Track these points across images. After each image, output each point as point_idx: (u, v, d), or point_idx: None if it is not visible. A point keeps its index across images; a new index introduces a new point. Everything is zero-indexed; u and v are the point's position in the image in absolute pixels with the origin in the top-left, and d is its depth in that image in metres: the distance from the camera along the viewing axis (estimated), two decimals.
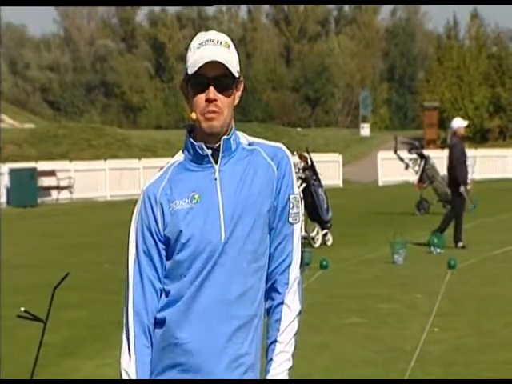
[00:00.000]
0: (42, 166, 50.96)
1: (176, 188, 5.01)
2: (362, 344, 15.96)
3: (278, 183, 5.08)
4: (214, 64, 4.91)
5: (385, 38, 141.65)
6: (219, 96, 4.96)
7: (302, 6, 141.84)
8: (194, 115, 4.98)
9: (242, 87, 5.10)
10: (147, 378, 4.98)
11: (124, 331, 5.05)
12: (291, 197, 5.11)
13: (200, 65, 4.92)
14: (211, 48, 4.97)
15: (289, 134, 69.81)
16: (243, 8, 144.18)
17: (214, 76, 4.95)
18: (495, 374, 14.12)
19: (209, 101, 4.94)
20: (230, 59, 4.99)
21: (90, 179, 51.11)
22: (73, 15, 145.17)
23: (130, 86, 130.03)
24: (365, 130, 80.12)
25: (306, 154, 28.77)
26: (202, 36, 5.05)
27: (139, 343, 5.00)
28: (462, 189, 27.70)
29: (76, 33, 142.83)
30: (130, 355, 4.99)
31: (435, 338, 16.10)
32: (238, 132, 5.13)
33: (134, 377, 4.97)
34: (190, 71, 4.95)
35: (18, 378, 10.46)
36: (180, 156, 5.12)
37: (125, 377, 4.99)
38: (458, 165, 27.49)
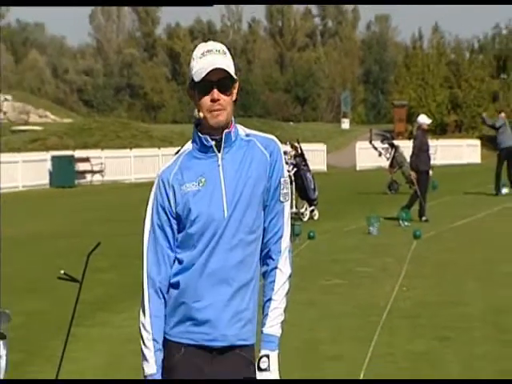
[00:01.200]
0: (79, 153, 50.89)
1: (186, 173, 5.03)
2: (343, 301, 15.95)
3: (270, 168, 5.08)
4: (216, 70, 4.93)
5: (361, 48, 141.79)
6: (222, 96, 4.97)
7: (293, 21, 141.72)
8: (201, 114, 5.00)
9: (237, 85, 5.10)
10: (161, 330, 5.01)
11: (141, 293, 5.07)
12: (282, 180, 5.12)
13: (206, 73, 4.94)
14: (212, 57, 4.99)
15: (282, 128, 69.51)
16: (244, 23, 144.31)
17: (217, 80, 4.96)
18: (452, 323, 14.11)
19: (213, 101, 4.95)
20: (229, 64, 5.01)
21: (118, 165, 51.04)
22: (104, 29, 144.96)
23: (151, 87, 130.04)
24: (345, 124, 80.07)
25: (296, 144, 28.84)
26: (202, 47, 5.07)
27: (153, 302, 5.01)
28: (430, 172, 27.90)
29: (106, 44, 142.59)
30: (144, 312, 5.03)
31: (403, 296, 16.11)
32: (237, 125, 5.13)
33: (149, 329, 5.02)
34: (197, 78, 4.97)
35: (59, 329, 10.38)
36: (189, 146, 5.13)
37: (142, 331, 5.04)
38: (417, 152, 27.71)
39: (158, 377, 4.98)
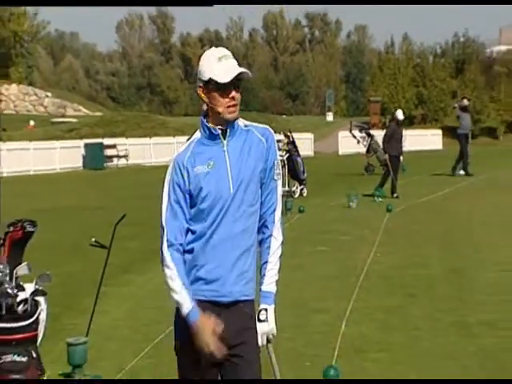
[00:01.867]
0: (107, 141, 50.82)
1: (197, 157, 5.03)
2: (327, 264, 15.93)
3: (266, 152, 5.10)
4: (242, 73, 5.00)
5: (343, 53, 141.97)
6: (236, 94, 5.01)
7: (286, 30, 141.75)
8: (219, 109, 5.01)
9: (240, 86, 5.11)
10: (185, 277, 4.99)
11: (161, 255, 5.04)
12: (275, 162, 5.16)
13: (234, 75, 4.98)
14: (231, 61, 5.02)
15: (277, 120, 69.41)
16: (245, 32, 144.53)
17: (235, 81, 4.97)
18: (418, 283, 14.11)
19: (232, 98, 4.99)
20: (241, 66, 5.04)
21: (139, 150, 50.97)
22: (128, 37, 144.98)
23: (167, 86, 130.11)
24: (329, 116, 80.00)
25: (288, 134, 28.84)
26: (216, 53, 5.05)
27: (174, 258, 5.00)
28: (401, 158, 28.07)
29: (130, 49, 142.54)
30: (169, 267, 4.99)
31: (378, 260, 16.08)
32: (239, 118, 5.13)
33: (176, 278, 4.98)
34: (223, 80, 4.96)
35: (91, 288, 10.39)
36: (197, 135, 5.14)
37: (170, 282, 4.99)
38: (388, 139, 28.10)
39: (196, 311, 4.93)
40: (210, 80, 4.99)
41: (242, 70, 4.99)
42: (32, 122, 69.47)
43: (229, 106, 5.00)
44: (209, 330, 4.87)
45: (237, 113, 5.04)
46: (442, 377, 9.11)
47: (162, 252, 5.04)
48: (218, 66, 4.97)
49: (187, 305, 4.93)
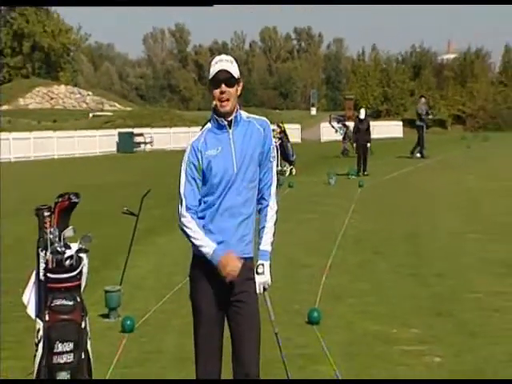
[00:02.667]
0: (136, 130, 50.92)
1: (208, 143, 5.01)
2: (313, 230, 15.93)
3: (263, 139, 5.07)
4: (223, 72, 4.94)
5: (324, 61, 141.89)
6: (227, 89, 4.95)
7: (279, 42, 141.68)
8: (214, 102, 5.02)
9: (241, 84, 5.09)
10: (203, 231, 4.97)
11: (179, 219, 5.02)
12: (271, 147, 5.13)
13: (215, 72, 4.97)
14: (222, 64, 4.98)
15: (272, 114, 69.13)
16: (247, 44, 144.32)
17: (224, 78, 4.94)
18: (384, 242, 14.09)
19: (222, 92, 4.94)
20: (232, 68, 4.99)
21: (162, 138, 50.99)
22: (153, 47, 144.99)
23: (184, 87, 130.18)
24: (313, 111, 79.86)
25: (281, 124, 28.92)
26: (217, 58, 5.07)
27: (193, 218, 4.97)
28: (368, 145, 28.20)
29: (154, 58, 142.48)
30: (189, 227, 4.96)
31: (352, 225, 16.10)
32: (240, 111, 5.10)
33: (197, 231, 4.97)
34: (211, 77, 4.98)
35: (123, 247, 10.37)
36: (208, 125, 5.10)
37: (193, 237, 4.98)
38: (355, 131, 29.29)
39: (218, 250, 4.91)
40: (209, 79, 5.02)
41: (223, 67, 4.98)
42: (91, 115, 69.71)
43: (220, 100, 4.97)
44: (234, 259, 4.88)
45: (228, 107, 4.99)
46: (403, 313, 9.18)
47: (180, 215, 5.01)
48: (213, 68, 5.00)
49: (212, 245, 4.92)
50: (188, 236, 5.00)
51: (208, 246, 4.93)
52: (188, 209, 5.00)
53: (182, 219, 5.00)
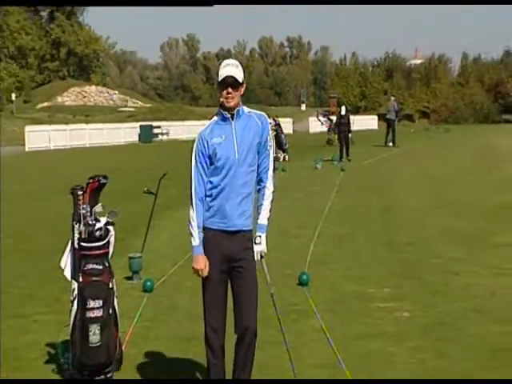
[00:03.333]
0: (155, 123, 50.73)
1: (214, 133, 4.98)
2: (302, 206, 15.94)
3: (261, 131, 5.04)
4: (230, 77, 4.89)
5: (312, 65, 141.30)
6: (232, 91, 4.91)
7: (274, 49, 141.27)
8: (221, 99, 4.97)
9: (244, 86, 5.02)
10: (201, 220, 5.03)
11: (190, 200, 5.02)
12: (268, 137, 5.09)
13: (224, 76, 4.89)
14: (229, 69, 4.92)
15: (268, 109, 68.98)
16: (247, 50, 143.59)
17: (230, 82, 4.90)
18: (362, 217, 14.09)
19: (228, 93, 4.90)
20: (238, 73, 4.93)
21: (176, 130, 50.75)
22: (168, 53, 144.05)
23: (194, 87, 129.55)
24: (303, 107, 79.35)
25: (276, 118, 28.88)
26: (225, 62, 5.02)
27: (197, 204, 4.98)
28: (350, 135, 28.23)
29: (170, 62, 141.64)
30: (193, 210, 4.98)
31: (335, 202, 16.09)
32: (243, 106, 5.06)
33: (195, 219, 5.02)
34: (220, 79, 4.91)
35: (144, 221, 10.35)
36: (215, 118, 5.07)
37: (191, 221, 5.02)
38: (338, 124, 29.20)
39: (200, 248, 4.99)
40: (218, 81, 4.96)
41: (230, 72, 4.92)
42: (122, 110, 69.80)
43: (226, 98, 4.92)
44: (201, 264, 4.97)
45: (232, 103, 4.94)
46: (377, 275, 9.17)
47: (191, 195, 5.02)
48: (222, 71, 4.94)
49: (196, 241, 5.01)
50: (188, 218, 5.04)
51: (195, 239, 5.02)
52: (196, 193, 5.01)
53: (191, 199, 5.03)
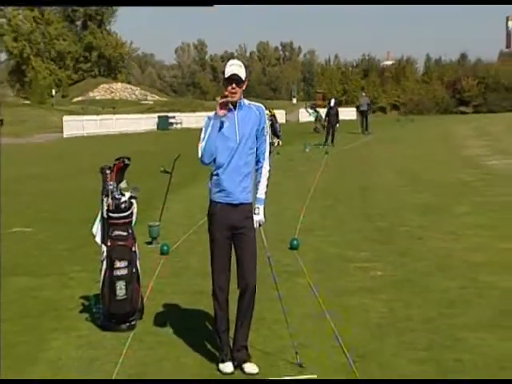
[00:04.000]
0: (170, 114, 50.46)
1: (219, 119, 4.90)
2: (293, 182, 15.89)
3: (259, 120, 4.96)
4: (234, 75, 4.81)
5: (301, 65, 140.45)
6: (235, 86, 4.83)
7: (269, 52, 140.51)
8: (226, 93, 4.84)
9: (246, 82, 4.92)
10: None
11: (202, 159, 4.91)
12: (264, 125, 5.02)
13: (229, 74, 4.80)
14: (234, 68, 4.83)
15: (265, 102, 69.04)
16: (248, 53, 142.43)
17: (234, 79, 4.81)
18: (343, 193, 14.05)
19: (232, 89, 4.82)
20: (241, 72, 4.84)
21: (189, 120, 50.34)
22: (181, 56, 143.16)
23: (203, 84, 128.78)
24: (294, 101, 78.94)
25: (271, 110, 28.68)
26: (231, 61, 4.93)
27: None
28: (337, 125, 28.24)
29: (183, 63, 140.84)
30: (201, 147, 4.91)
31: (321, 181, 16.05)
32: (244, 99, 4.97)
33: (204, 140, 4.88)
34: (226, 76, 4.83)
35: (162, 196, 10.33)
36: None
37: (201, 141, 4.90)
38: (327, 114, 28.87)
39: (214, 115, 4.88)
40: (224, 78, 4.87)
41: (234, 71, 4.83)
42: (144, 102, 69.64)
43: (231, 92, 4.83)
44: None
45: (235, 98, 4.85)
46: (356, 241, 9.14)
47: (201, 158, 4.89)
48: (227, 69, 4.84)
49: (210, 124, 4.85)
50: (203, 146, 4.87)
51: (208, 130, 4.86)
52: (205, 158, 4.90)
53: (202, 160, 4.91)
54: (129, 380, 3.54)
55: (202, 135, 4.95)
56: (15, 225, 11.01)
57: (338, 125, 28.53)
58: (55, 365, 5.13)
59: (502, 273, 7.54)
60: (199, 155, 4.93)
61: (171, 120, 49.53)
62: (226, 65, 4.92)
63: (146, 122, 48.28)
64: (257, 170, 5.09)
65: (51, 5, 78.22)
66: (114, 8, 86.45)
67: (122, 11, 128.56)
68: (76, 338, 5.71)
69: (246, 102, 5.02)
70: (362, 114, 36.05)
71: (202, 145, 4.91)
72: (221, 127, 4.88)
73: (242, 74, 4.88)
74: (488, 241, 9.18)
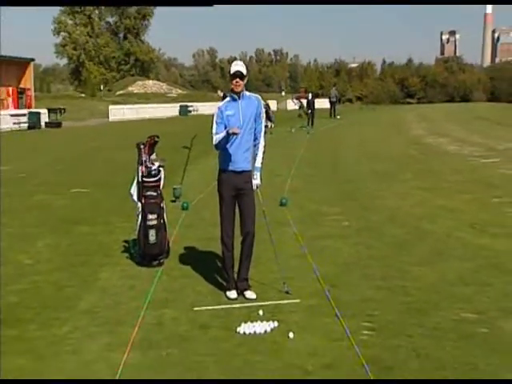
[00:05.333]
0: (189, 104, 49.71)
1: (227, 107, 4.78)
2: (281, 155, 15.64)
3: (257, 107, 4.85)
4: (238, 71, 4.67)
5: (289, 66, 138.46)
6: (239, 80, 4.69)
7: (264, 56, 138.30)
8: (232, 86, 4.74)
9: (247, 78, 4.78)
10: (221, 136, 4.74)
11: (212, 140, 4.80)
12: (261, 111, 4.90)
13: (234, 71, 4.67)
14: (237, 66, 4.71)
15: (261, 95, 68.20)
16: (247, 57, 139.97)
17: (238, 74, 4.67)
18: (322, 163, 13.92)
19: (236, 82, 4.68)
20: (243, 69, 4.72)
21: (203, 108, 49.48)
22: (198, 58, 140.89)
23: (214, 80, 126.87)
24: (283, 93, 77.90)
25: (267, 101, 28.27)
26: (234, 62, 4.79)
27: (215, 138, 4.79)
28: (313, 112, 27.97)
29: (199, 65, 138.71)
30: (214, 139, 4.78)
31: (304, 155, 15.87)
32: (245, 91, 4.83)
33: (217, 137, 4.73)
34: (231, 72, 4.70)
35: (182, 166, 10.20)
36: (227, 98, 4.87)
37: (215, 141, 4.75)
38: (311, 103, 28.27)
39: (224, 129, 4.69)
40: (230, 74, 4.72)
41: (238, 69, 4.69)
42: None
43: (235, 85, 4.70)
44: (235, 128, 4.63)
45: (239, 89, 4.71)
46: (330, 199, 9.05)
47: (214, 137, 4.76)
48: (233, 68, 4.71)
49: (223, 133, 4.69)
50: (218, 140, 4.73)
51: (221, 135, 4.70)
52: (219, 147, 4.80)
53: (215, 140, 4.78)
54: (129, 380, 3.35)
55: (215, 126, 4.81)
56: (75, 187, 10.94)
57: (313, 112, 28.34)
58: (105, 291, 5.10)
59: (437, 222, 7.53)
60: (213, 143, 4.80)
61: (190, 108, 48.84)
62: (231, 64, 4.79)
63: (171, 110, 47.66)
64: (255, 146, 4.96)
65: (52, 5, 69.52)
66: (146, 23, 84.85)
67: (154, 25, 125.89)
68: (120, 271, 5.68)
69: (247, 93, 4.88)
70: (332, 103, 36.13)
71: (216, 138, 4.76)
72: (228, 116, 4.75)
73: (244, 71, 4.75)
74: (427, 199, 9.15)
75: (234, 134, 4.66)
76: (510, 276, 5.30)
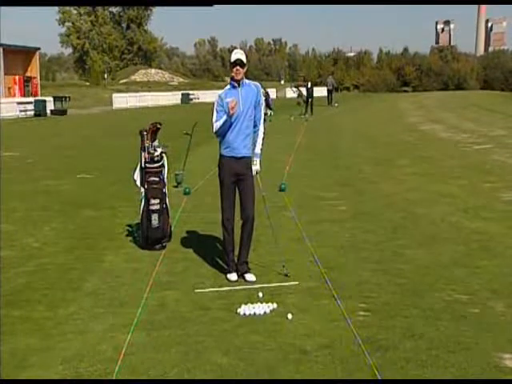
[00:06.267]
0: (190, 92, 49.45)
1: (228, 94, 4.71)
2: (281, 142, 15.53)
3: (256, 95, 4.79)
4: (238, 59, 4.61)
5: (288, 56, 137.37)
6: (239, 68, 4.63)
7: (264, 46, 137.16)
8: (232, 74, 4.67)
9: (247, 66, 4.73)
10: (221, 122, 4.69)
11: (214, 127, 4.76)
12: (260, 99, 4.85)
13: (235, 59, 4.60)
14: (237, 55, 4.64)
15: (260, 83, 67.79)
16: (247, 46, 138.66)
17: (238, 62, 4.61)
18: (318, 150, 13.85)
19: (237, 70, 4.62)
20: (243, 58, 4.65)
21: (204, 96, 49.24)
22: (200, 49, 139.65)
23: (215, 69, 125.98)
24: (282, 82, 77.60)
25: (266, 89, 28.02)
26: (235, 50, 4.71)
27: (215, 125, 4.74)
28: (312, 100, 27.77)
29: (200, 54, 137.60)
30: (215, 126, 4.74)
31: (302, 141, 15.78)
32: (245, 79, 4.76)
33: (220, 125, 4.69)
34: (231, 60, 4.63)
35: (183, 152, 10.13)
36: (228, 86, 4.81)
37: (216, 127, 4.71)
38: (310, 92, 27.92)
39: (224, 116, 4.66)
40: (230, 62, 4.66)
41: (238, 57, 4.62)
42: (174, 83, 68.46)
43: (235, 73, 4.64)
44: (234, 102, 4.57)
45: (239, 76, 4.65)
46: (327, 185, 9.01)
47: (214, 125, 4.73)
48: (233, 56, 4.64)
49: (224, 117, 4.64)
50: (218, 127, 4.69)
51: (223, 117, 4.65)
52: (218, 133, 4.75)
53: (214, 127, 4.74)
54: (129, 380, 3.22)
55: (215, 114, 4.75)
56: (80, 172, 10.91)
57: (312, 100, 28.11)
58: (110, 274, 5.09)
59: (431, 206, 7.51)
60: (214, 131, 4.75)
61: (191, 96, 48.56)
62: (231, 53, 4.71)
63: (173, 98, 47.42)
64: (254, 132, 4.91)
65: (53, 5, 67.48)
66: (149, 12, 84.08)
67: (156, 15, 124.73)
68: (123, 255, 5.66)
69: (247, 81, 4.82)
70: (329, 91, 35.83)
71: (216, 125, 4.70)
72: (228, 103, 4.67)
73: (244, 59, 4.69)
74: (421, 184, 9.12)
75: (232, 111, 4.56)
76: (500, 258, 5.30)
